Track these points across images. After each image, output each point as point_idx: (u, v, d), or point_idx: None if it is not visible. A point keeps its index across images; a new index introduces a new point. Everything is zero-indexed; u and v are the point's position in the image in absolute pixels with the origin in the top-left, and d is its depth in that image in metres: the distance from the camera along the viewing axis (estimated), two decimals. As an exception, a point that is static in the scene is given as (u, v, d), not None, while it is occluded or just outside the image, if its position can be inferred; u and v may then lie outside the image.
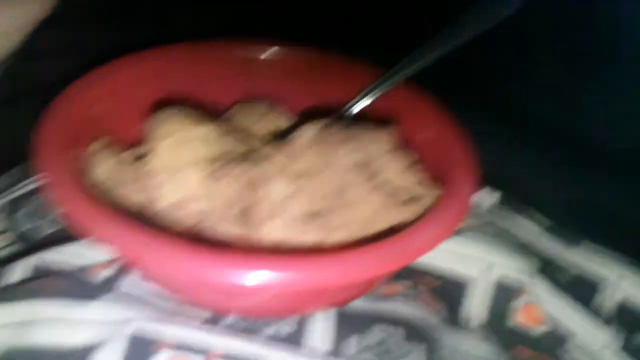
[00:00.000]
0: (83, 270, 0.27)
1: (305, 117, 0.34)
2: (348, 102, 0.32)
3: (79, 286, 0.25)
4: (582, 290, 0.31)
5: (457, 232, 0.31)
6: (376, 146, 0.27)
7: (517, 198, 0.35)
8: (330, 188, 0.26)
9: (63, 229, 0.30)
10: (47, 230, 0.30)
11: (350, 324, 0.26)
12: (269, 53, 0.35)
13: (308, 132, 0.27)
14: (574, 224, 0.34)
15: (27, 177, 0.33)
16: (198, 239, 0.25)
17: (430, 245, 0.23)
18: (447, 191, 0.26)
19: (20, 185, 0.32)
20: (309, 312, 0.26)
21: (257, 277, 0.20)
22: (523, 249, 0.32)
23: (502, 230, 0.33)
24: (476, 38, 0.31)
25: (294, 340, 0.25)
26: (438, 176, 0.28)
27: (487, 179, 0.35)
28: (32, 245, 0.29)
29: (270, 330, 0.26)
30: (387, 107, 0.32)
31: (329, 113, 0.32)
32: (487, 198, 0.35)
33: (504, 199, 0.35)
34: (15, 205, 0.31)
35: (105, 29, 0.35)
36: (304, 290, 0.24)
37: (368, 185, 0.26)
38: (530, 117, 0.35)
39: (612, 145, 0.33)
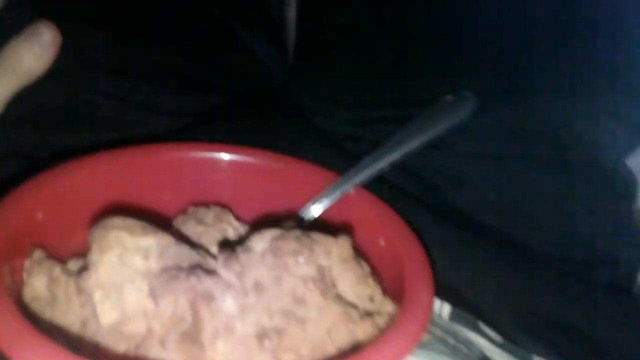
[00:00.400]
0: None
1: (257, 224, 0.33)
2: (301, 208, 0.32)
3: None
4: None
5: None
6: (330, 257, 0.26)
7: (466, 309, 0.35)
8: (282, 304, 0.24)
9: None
10: None
11: None
12: (219, 156, 0.34)
13: (260, 243, 0.26)
14: (524, 338, 0.34)
15: None
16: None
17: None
18: (403, 309, 0.25)
19: None
20: None
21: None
22: None
23: (455, 347, 0.32)
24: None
25: None
26: (394, 286, 0.27)
27: (437, 289, 0.34)
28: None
29: None
30: (340, 214, 0.31)
31: (282, 220, 0.31)
32: (438, 310, 0.35)
33: (455, 313, 0.34)
34: None
35: (41, 134, 0.35)
36: None
37: (321, 301, 0.25)
38: (479, 226, 0.35)
39: (557, 254, 0.33)
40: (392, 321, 0.24)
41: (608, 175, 0.33)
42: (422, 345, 0.30)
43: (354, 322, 0.25)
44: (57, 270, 0.27)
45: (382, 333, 0.24)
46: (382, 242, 0.29)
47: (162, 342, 0.25)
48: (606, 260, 0.34)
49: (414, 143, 0.33)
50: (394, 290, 0.27)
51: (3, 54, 0.30)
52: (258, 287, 0.25)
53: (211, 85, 0.43)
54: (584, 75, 0.36)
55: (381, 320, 0.26)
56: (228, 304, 0.24)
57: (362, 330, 0.25)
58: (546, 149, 0.34)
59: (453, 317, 0.34)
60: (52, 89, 0.33)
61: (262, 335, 0.24)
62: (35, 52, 0.30)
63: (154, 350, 0.25)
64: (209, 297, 0.24)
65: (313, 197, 0.32)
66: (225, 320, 0.24)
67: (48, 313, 0.25)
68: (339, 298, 0.26)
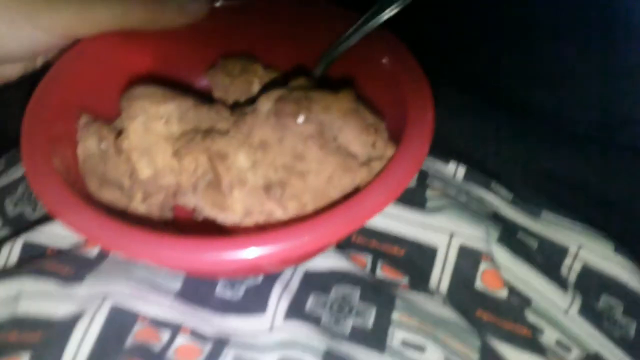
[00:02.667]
0: (70, 248, 0.30)
1: (284, 72, 0.35)
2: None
3: (65, 265, 0.29)
4: (542, 259, 0.32)
5: (423, 205, 0.32)
6: (331, 112, 0.28)
7: (480, 171, 0.36)
8: (284, 160, 0.28)
9: (48, 214, 0.33)
10: (34, 215, 0.33)
11: (311, 282, 0.29)
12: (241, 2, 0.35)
13: (264, 105, 0.29)
14: (535, 195, 0.35)
15: (13, 164, 0.35)
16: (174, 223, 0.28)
17: (376, 210, 0.25)
18: (397, 153, 0.27)
19: (7, 173, 0.35)
20: (274, 272, 0.29)
21: (220, 256, 0.22)
22: (485, 219, 0.33)
23: (466, 203, 0.34)
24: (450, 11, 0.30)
25: (258, 304, 0.28)
26: (399, 131, 0.29)
27: (453, 154, 0.36)
28: (20, 229, 0.32)
29: (241, 291, 0.28)
30: (352, 62, 0.32)
31: (304, 69, 0.33)
32: (452, 172, 0.36)
33: (469, 173, 0.36)
34: (2, 192, 0.34)
35: None
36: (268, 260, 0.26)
37: (320, 154, 0.28)
38: (494, 90, 0.35)
39: (573, 116, 0.32)
40: (385, 165, 0.26)
41: (622, 35, 0.31)
42: (434, 203, 0.33)
43: (353, 170, 0.28)
44: (105, 130, 0.31)
45: (375, 177, 0.26)
46: (388, 86, 0.30)
47: (194, 190, 0.29)
48: (622, 122, 0.33)
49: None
50: (398, 133, 0.29)
51: None
52: (264, 145, 0.28)
53: None
54: None
55: (380, 165, 0.28)
56: (239, 160, 0.28)
57: (362, 176, 0.28)
58: (559, 14, 0.31)
59: (467, 177, 0.36)
60: None
61: (268, 187, 0.27)
62: (185, 9, 0.31)
63: (187, 196, 0.30)
64: (223, 155, 0.28)
65: (332, 42, 0.32)
66: (238, 173, 0.28)
67: (101, 168, 0.30)
68: (340, 149, 0.28)
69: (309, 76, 0.32)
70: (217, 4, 0.35)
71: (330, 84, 0.30)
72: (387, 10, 0.31)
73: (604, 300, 0.33)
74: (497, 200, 0.35)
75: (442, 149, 0.35)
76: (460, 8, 0.35)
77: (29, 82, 0.32)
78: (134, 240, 0.23)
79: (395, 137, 0.29)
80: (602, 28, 0.31)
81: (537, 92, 0.33)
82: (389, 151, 0.29)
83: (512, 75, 0.34)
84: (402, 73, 0.30)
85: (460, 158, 0.36)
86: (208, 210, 0.29)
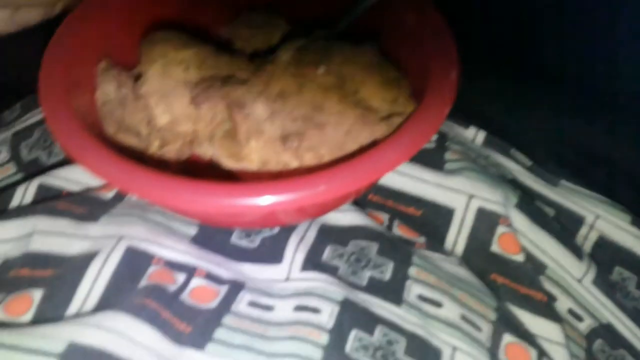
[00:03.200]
0: (86, 191, 0.30)
1: (305, 27, 0.34)
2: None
3: (79, 205, 0.29)
4: (559, 226, 0.32)
5: (441, 167, 0.32)
6: (353, 65, 0.28)
7: (500, 137, 0.35)
8: (304, 110, 0.27)
9: (64, 159, 0.33)
10: (49, 160, 0.33)
11: (328, 235, 0.29)
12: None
13: (285, 54, 0.28)
14: (554, 164, 0.34)
15: (29, 110, 0.35)
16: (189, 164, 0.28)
17: (392, 165, 0.24)
18: (417, 110, 0.26)
19: (22, 118, 0.35)
20: (291, 223, 0.29)
21: (238, 202, 0.22)
22: (504, 184, 0.32)
23: (485, 167, 0.33)
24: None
25: (274, 254, 0.28)
26: (421, 91, 0.29)
27: (472, 118, 0.35)
28: (35, 173, 0.32)
29: (256, 241, 0.28)
30: (377, 18, 0.31)
31: (328, 22, 0.33)
32: (472, 137, 0.35)
33: (489, 139, 0.35)
34: (17, 137, 0.34)
35: None
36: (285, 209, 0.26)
37: (340, 106, 0.27)
38: (520, 56, 0.34)
39: (600, 86, 0.31)
40: (404, 121, 0.26)
41: None
42: (453, 165, 0.32)
43: (372, 124, 0.27)
44: (124, 75, 0.31)
45: (394, 131, 0.26)
46: (412, 47, 0.30)
47: (210, 139, 0.29)
48: None
49: None
50: (421, 90, 0.28)
51: None
52: (282, 95, 0.27)
53: None
54: None
55: (399, 121, 0.28)
56: (257, 109, 0.27)
57: (381, 131, 0.27)
58: None
59: (487, 143, 0.35)
60: None
61: (285, 137, 0.27)
62: None
63: (204, 145, 0.29)
64: (241, 104, 0.28)
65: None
66: (256, 123, 0.27)
67: (119, 114, 0.30)
68: (360, 103, 0.28)
69: (333, 30, 0.31)
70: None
71: (354, 39, 0.29)
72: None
73: (618, 272, 0.33)
74: (516, 167, 0.35)
75: (462, 113, 0.35)
76: None
77: (46, 28, 0.31)
78: (151, 182, 0.23)
79: (418, 96, 0.28)
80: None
81: (566, 59, 0.32)
82: (410, 108, 0.28)
83: (540, 42, 0.33)
84: (428, 31, 0.29)
85: (480, 123, 0.35)
86: (224, 160, 0.29)
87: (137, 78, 0.31)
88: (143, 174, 0.23)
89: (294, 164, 0.27)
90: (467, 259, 0.31)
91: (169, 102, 0.28)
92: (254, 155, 0.28)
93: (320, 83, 0.27)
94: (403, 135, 0.25)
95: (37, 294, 0.25)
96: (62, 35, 0.29)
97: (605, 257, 0.33)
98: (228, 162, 0.28)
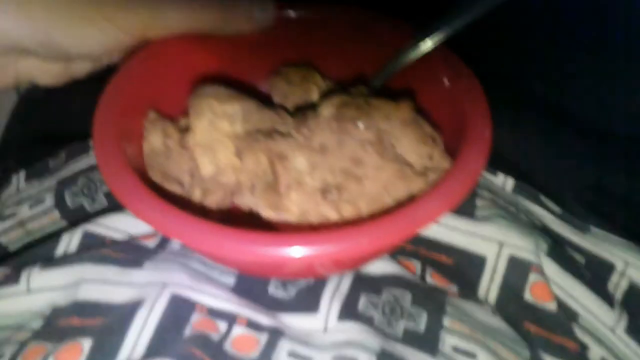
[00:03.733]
0: (130, 239, 0.31)
1: (340, 83, 0.36)
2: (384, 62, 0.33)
3: (123, 253, 0.30)
4: (590, 274, 0.32)
5: (472, 214, 0.33)
6: (391, 121, 0.29)
7: (529, 184, 0.36)
8: (343, 164, 0.28)
9: (106, 207, 0.34)
10: (93, 207, 0.35)
11: (362, 284, 0.29)
12: (305, 14, 0.36)
13: (326, 109, 0.29)
14: (583, 211, 0.35)
15: (73, 158, 0.37)
16: (231, 218, 0.29)
17: (432, 218, 0.25)
18: (455, 165, 0.27)
19: (67, 166, 0.37)
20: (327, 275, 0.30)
21: (280, 252, 0.23)
22: (534, 231, 0.33)
23: (515, 214, 0.34)
24: (501, 25, 0.31)
25: (310, 304, 0.28)
26: (455, 145, 0.30)
27: (501, 165, 0.36)
28: (79, 221, 0.33)
29: (292, 291, 0.29)
30: (412, 73, 0.33)
31: (363, 79, 0.34)
32: (501, 184, 0.36)
33: (518, 186, 0.36)
34: (62, 185, 0.36)
35: None
36: (325, 261, 0.27)
37: (379, 161, 0.28)
38: (546, 104, 0.35)
39: (622, 131, 0.32)
40: (443, 176, 0.27)
41: None
42: (483, 212, 0.33)
43: (409, 179, 0.28)
44: (170, 127, 0.32)
45: (431, 187, 0.27)
46: (447, 101, 0.31)
47: (252, 190, 0.30)
48: None
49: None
50: (455, 148, 0.29)
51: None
52: (323, 148, 0.29)
53: None
54: None
55: (436, 176, 0.29)
56: (298, 162, 0.29)
57: (417, 186, 0.28)
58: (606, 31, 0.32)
59: (516, 190, 0.36)
60: None
61: (325, 190, 0.28)
62: (253, 17, 0.32)
63: (245, 196, 0.30)
64: (283, 157, 0.29)
65: (391, 55, 0.33)
66: (297, 175, 0.29)
67: (164, 164, 0.32)
68: (397, 158, 0.29)
69: (368, 86, 0.32)
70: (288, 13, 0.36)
71: (389, 95, 0.31)
72: (447, 29, 0.31)
73: None
74: (546, 214, 0.35)
75: (491, 159, 0.36)
76: (513, 28, 0.36)
77: (93, 81, 0.33)
78: (194, 229, 0.24)
79: (451, 152, 0.29)
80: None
81: (589, 106, 0.33)
82: (445, 164, 0.29)
83: (564, 90, 0.34)
84: (462, 90, 0.31)
85: (508, 170, 0.36)
86: (264, 210, 0.30)
87: (183, 129, 0.32)
88: (186, 220, 0.24)
89: (333, 216, 0.28)
90: (500, 307, 0.31)
91: (214, 154, 0.30)
92: (294, 206, 0.29)
93: (360, 138, 0.28)
94: (441, 190, 0.26)
95: (86, 343, 0.26)
96: (113, 88, 0.31)
97: (637, 305, 0.33)
98: (268, 213, 0.29)
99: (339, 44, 0.37)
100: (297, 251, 0.23)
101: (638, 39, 0.31)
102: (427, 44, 0.32)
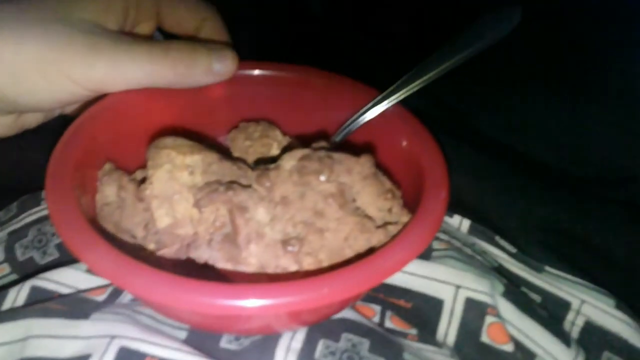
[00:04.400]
0: (77, 293, 0.30)
1: (300, 139, 0.36)
2: (344, 121, 0.34)
3: (72, 306, 0.29)
4: (546, 313, 0.33)
5: (428, 257, 0.33)
6: (352, 174, 0.29)
7: (484, 224, 0.37)
8: (304, 216, 0.28)
9: (57, 259, 0.33)
10: (43, 260, 0.34)
11: (320, 329, 0.29)
12: (266, 72, 0.37)
13: (288, 162, 0.30)
14: (538, 250, 0.36)
15: (25, 210, 0.36)
16: (185, 267, 0.28)
17: (396, 268, 0.25)
18: (415, 218, 0.28)
19: (18, 218, 0.36)
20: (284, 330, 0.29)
21: (236, 304, 0.23)
22: (490, 272, 0.33)
23: (471, 256, 0.34)
24: (457, 70, 0.33)
25: (264, 356, 0.27)
26: (413, 198, 0.30)
27: (458, 207, 0.37)
28: (29, 273, 0.32)
29: (246, 343, 0.28)
30: (371, 130, 0.34)
31: (322, 135, 0.35)
32: (458, 225, 0.37)
33: (474, 227, 0.37)
34: (12, 237, 0.34)
35: None
36: (281, 314, 0.26)
37: (340, 213, 0.28)
38: (497, 146, 0.36)
39: (575, 172, 0.34)
40: (403, 230, 0.27)
41: (624, 94, 0.33)
42: (439, 254, 0.33)
43: (369, 231, 0.28)
44: (125, 179, 0.31)
45: (391, 240, 0.27)
46: (405, 158, 0.32)
47: (209, 242, 0.29)
48: (621, 178, 0.35)
49: (451, 61, 0.33)
50: (413, 202, 0.30)
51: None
52: (284, 200, 0.28)
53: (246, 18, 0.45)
54: None
55: (396, 230, 0.29)
56: (259, 214, 0.28)
57: (377, 238, 0.28)
58: (567, 72, 0.34)
59: (472, 231, 0.37)
60: None
61: (286, 242, 0.28)
62: (212, 70, 0.32)
63: (201, 248, 0.30)
64: (243, 208, 0.28)
65: (351, 113, 0.34)
66: (257, 227, 0.28)
67: (117, 216, 0.31)
68: (358, 211, 0.29)
69: (329, 141, 0.33)
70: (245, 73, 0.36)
71: (350, 150, 0.31)
72: (405, 90, 0.33)
73: (606, 357, 0.33)
74: (502, 254, 0.36)
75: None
76: (470, 73, 0.37)
77: (47, 131, 0.33)
78: (146, 280, 0.23)
79: (412, 206, 0.30)
80: (602, 89, 0.33)
81: (538, 147, 0.35)
82: (404, 218, 0.30)
83: (514, 132, 0.35)
84: (419, 148, 0.32)
85: (465, 211, 0.37)
86: (221, 263, 0.29)
87: (140, 181, 0.31)
88: (138, 269, 0.24)
89: (293, 268, 0.28)
90: (458, 349, 0.31)
91: (171, 205, 0.29)
92: (253, 258, 0.28)
93: (321, 190, 0.28)
94: (401, 243, 0.26)
95: None
96: (70, 137, 0.30)
97: (593, 343, 0.33)
98: (225, 265, 0.29)
99: (300, 102, 0.37)
100: (254, 302, 0.23)
101: (594, 83, 0.33)
102: (386, 104, 0.33)
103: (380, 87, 0.34)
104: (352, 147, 0.33)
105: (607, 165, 0.34)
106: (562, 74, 0.34)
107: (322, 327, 0.29)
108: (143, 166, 0.33)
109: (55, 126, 0.31)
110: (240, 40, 0.38)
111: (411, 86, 0.33)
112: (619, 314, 0.33)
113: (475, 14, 0.35)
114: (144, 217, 0.31)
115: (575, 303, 0.34)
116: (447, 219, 0.37)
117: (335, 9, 0.49)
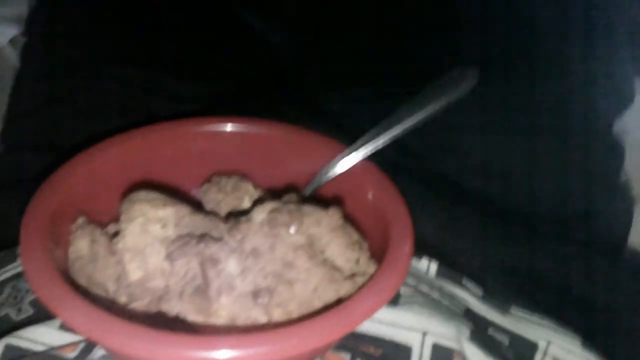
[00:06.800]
0: (50, 350, 0.30)
1: (271, 192, 0.37)
2: (312, 174, 0.36)
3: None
4: (514, 355, 0.34)
5: (396, 303, 0.34)
6: (321, 226, 0.30)
7: (452, 267, 0.38)
8: (274, 267, 0.29)
9: (32, 316, 0.33)
10: (18, 317, 0.33)
11: None
12: (238, 128, 0.39)
13: (259, 215, 0.31)
14: (503, 291, 0.37)
15: (2, 266, 0.36)
16: (156, 319, 0.29)
17: (363, 318, 0.26)
18: (380, 269, 0.29)
19: None
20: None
21: (208, 355, 0.23)
22: (456, 317, 0.34)
23: (438, 299, 0.35)
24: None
25: None
26: (380, 249, 0.31)
27: (425, 249, 0.38)
28: (4, 331, 0.31)
29: None
30: (339, 183, 0.35)
31: (293, 188, 0.36)
32: (425, 268, 0.38)
33: (441, 270, 0.38)
34: None
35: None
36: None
37: (309, 264, 0.29)
38: (462, 190, 0.38)
39: (532, 211, 0.35)
40: (370, 280, 0.28)
41: (582, 138, 0.35)
42: (406, 299, 0.34)
43: (337, 282, 0.29)
44: (97, 233, 0.32)
45: (358, 291, 0.28)
46: (371, 210, 0.33)
47: (180, 295, 0.30)
48: (579, 217, 0.36)
49: (415, 118, 0.35)
50: (379, 252, 0.31)
51: None
52: (255, 252, 0.29)
53: (222, 70, 0.47)
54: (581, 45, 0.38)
55: (362, 280, 0.30)
56: (230, 266, 0.29)
57: (345, 289, 0.29)
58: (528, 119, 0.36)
59: (439, 274, 0.37)
60: (66, 80, 0.37)
61: (256, 293, 0.28)
62: None
63: (173, 301, 0.30)
64: (214, 260, 0.29)
65: (320, 168, 0.35)
66: (228, 279, 0.29)
67: (89, 270, 0.31)
68: (326, 262, 0.30)
69: (299, 194, 0.34)
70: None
71: (319, 202, 0.32)
72: (370, 145, 0.34)
73: None
74: (469, 296, 0.36)
75: (415, 245, 0.37)
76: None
77: (21, 187, 0.33)
78: (120, 332, 0.24)
79: (379, 257, 0.31)
80: (560, 127, 0.35)
81: (498, 189, 0.36)
82: (371, 268, 0.31)
83: (487, 177, 0.37)
84: (385, 202, 0.33)
85: (432, 254, 0.37)
86: (192, 315, 0.29)
87: (112, 235, 0.32)
88: (110, 322, 0.24)
89: (263, 319, 0.28)
90: None
91: (144, 258, 0.30)
92: (224, 311, 0.29)
93: (291, 242, 0.29)
94: (367, 294, 0.27)
95: None
96: (44, 192, 0.31)
97: None
98: (196, 318, 0.29)
99: (271, 156, 0.39)
100: (226, 354, 0.23)
101: (566, 126, 0.35)
102: (353, 159, 0.34)
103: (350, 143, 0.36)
104: (321, 199, 0.34)
105: (565, 204, 0.36)
106: (519, 118, 0.36)
107: None
108: (116, 220, 0.33)
109: (30, 182, 0.32)
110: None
111: (377, 143, 0.35)
112: (585, 353, 0.34)
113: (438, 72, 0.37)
114: (115, 271, 0.31)
115: (542, 344, 0.35)
116: (414, 262, 0.38)
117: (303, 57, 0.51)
